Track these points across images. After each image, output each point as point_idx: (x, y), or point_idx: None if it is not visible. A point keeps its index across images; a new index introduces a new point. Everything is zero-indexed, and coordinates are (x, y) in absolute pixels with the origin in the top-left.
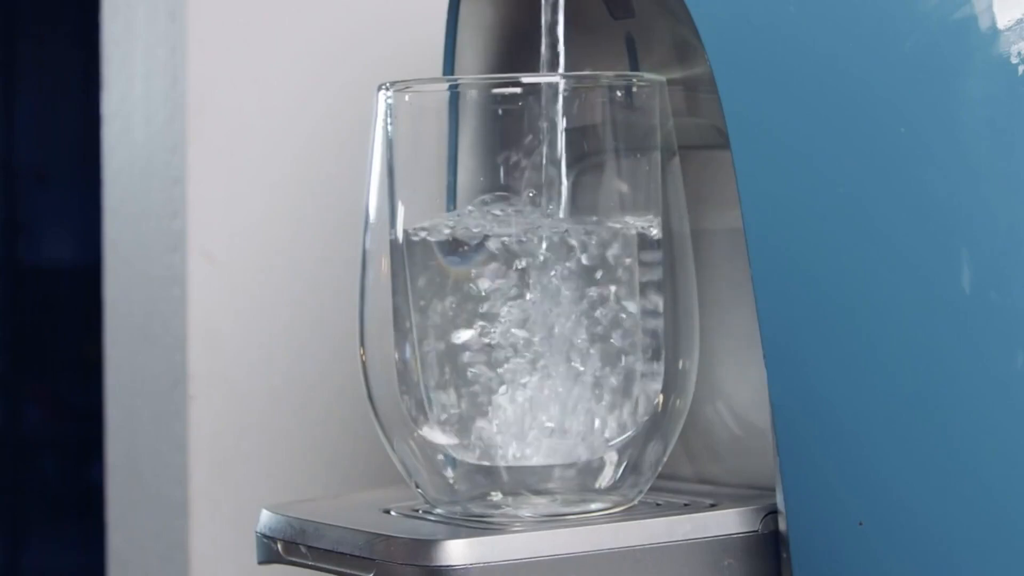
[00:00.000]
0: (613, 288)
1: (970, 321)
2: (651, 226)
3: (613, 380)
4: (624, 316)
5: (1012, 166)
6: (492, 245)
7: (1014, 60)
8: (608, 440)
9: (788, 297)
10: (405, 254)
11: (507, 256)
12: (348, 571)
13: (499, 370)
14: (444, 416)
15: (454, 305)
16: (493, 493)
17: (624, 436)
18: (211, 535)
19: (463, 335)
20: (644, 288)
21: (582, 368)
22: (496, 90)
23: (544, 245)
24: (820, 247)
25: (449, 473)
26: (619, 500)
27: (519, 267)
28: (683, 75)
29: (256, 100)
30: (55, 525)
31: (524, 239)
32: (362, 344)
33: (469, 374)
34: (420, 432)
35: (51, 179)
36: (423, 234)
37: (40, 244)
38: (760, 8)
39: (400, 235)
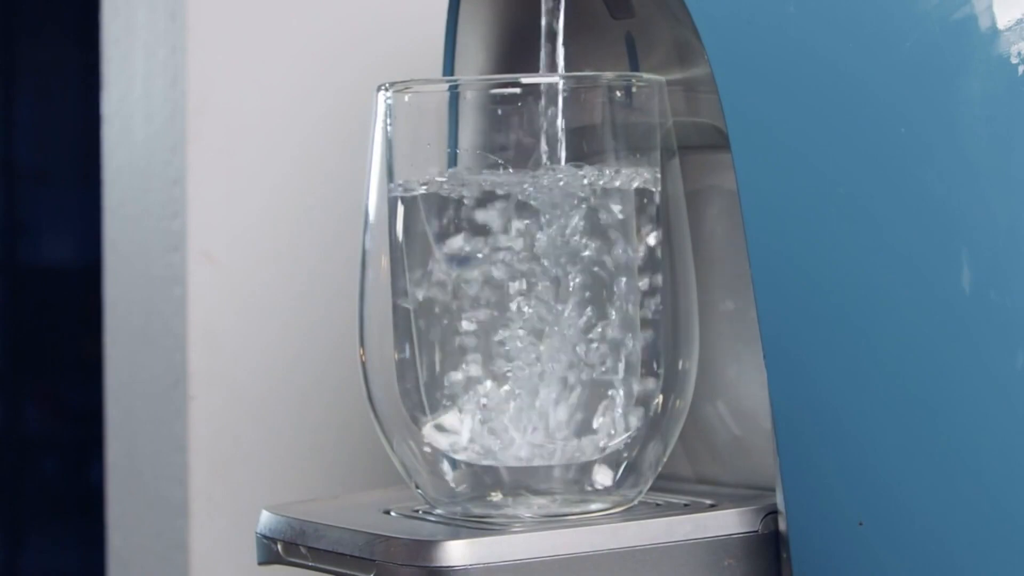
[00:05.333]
0: (614, 287)
1: (970, 321)
2: (649, 184)
3: (613, 380)
4: (624, 316)
5: (1012, 166)
6: (490, 205)
7: (1014, 60)
8: (608, 440)
9: (788, 297)
10: (402, 244)
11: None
12: (348, 572)
13: (499, 370)
14: (444, 416)
15: (452, 301)
16: (493, 493)
17: (624, 436)
18: (211, 535)
19: (462, 334)
20: (644, 287)
21: (583, 368)
22: (496, 90)
23: (547, 196)
24: (820, 247)
25: (449, 474)
26: (619, 500)
27: (519, 229)
28: (683, 75)
29: (256, 100)
30: (55, 525)
31: (525, 187)
32: (362, 344)
33: (469, 374)
34: (420, 432)
35: (51, 179)
36: (418, 191)
37: (40, 244)
38: (760, 8)
39: (400, 234)
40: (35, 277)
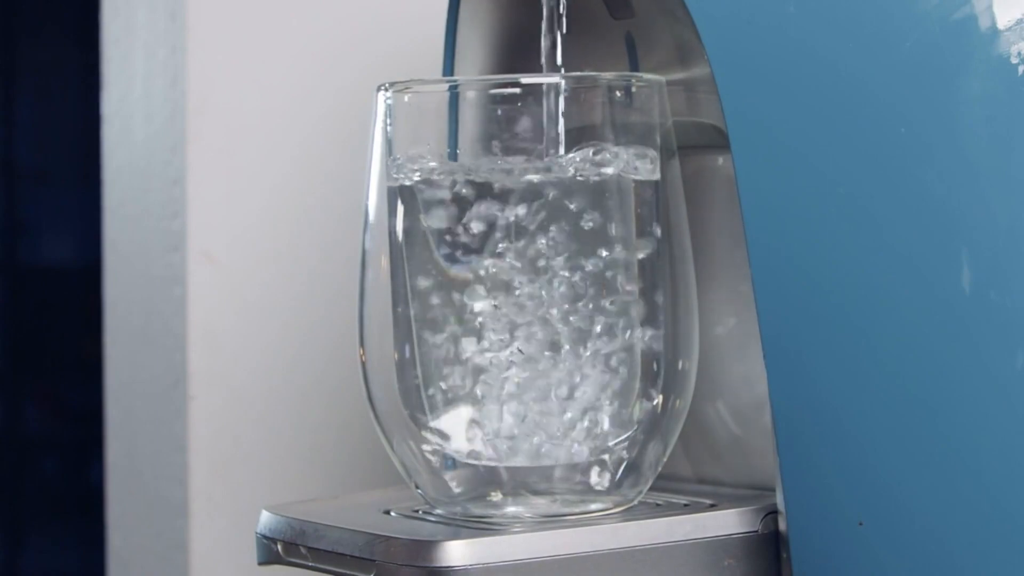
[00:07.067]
0: (614, 285)
1: (970, 321)
2: (650, 181)
3: (613, 380)
4: (625, 316)
5: (1012, 166)
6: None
7: (1014, 60)
8: (608, 440)
9: (788, 297)
10: (399, 239)
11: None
12: (348, 572)
13: (499, 370)
14: (443, 416)
15: (451, 301)
16: (493, 493)
17: (623, 436)
18: (211, 535)
19: (462, 335)
20: (644, 287)
21: (582, 368)
22: (496, 90)
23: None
24: (820, 247)
25: (449, 474)
26: (619, 500)
27: (516, 220)
28: (683, 75)
29: (256, 100)
30: (55, 525)
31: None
32: (362, 344)
33: (469, 374)
34: (420, 432)
35: (51, 179)
36: (410, 177)
37: (40, 244)
38: (760, 8)
39: (400, 235)
40: (35, 277)
